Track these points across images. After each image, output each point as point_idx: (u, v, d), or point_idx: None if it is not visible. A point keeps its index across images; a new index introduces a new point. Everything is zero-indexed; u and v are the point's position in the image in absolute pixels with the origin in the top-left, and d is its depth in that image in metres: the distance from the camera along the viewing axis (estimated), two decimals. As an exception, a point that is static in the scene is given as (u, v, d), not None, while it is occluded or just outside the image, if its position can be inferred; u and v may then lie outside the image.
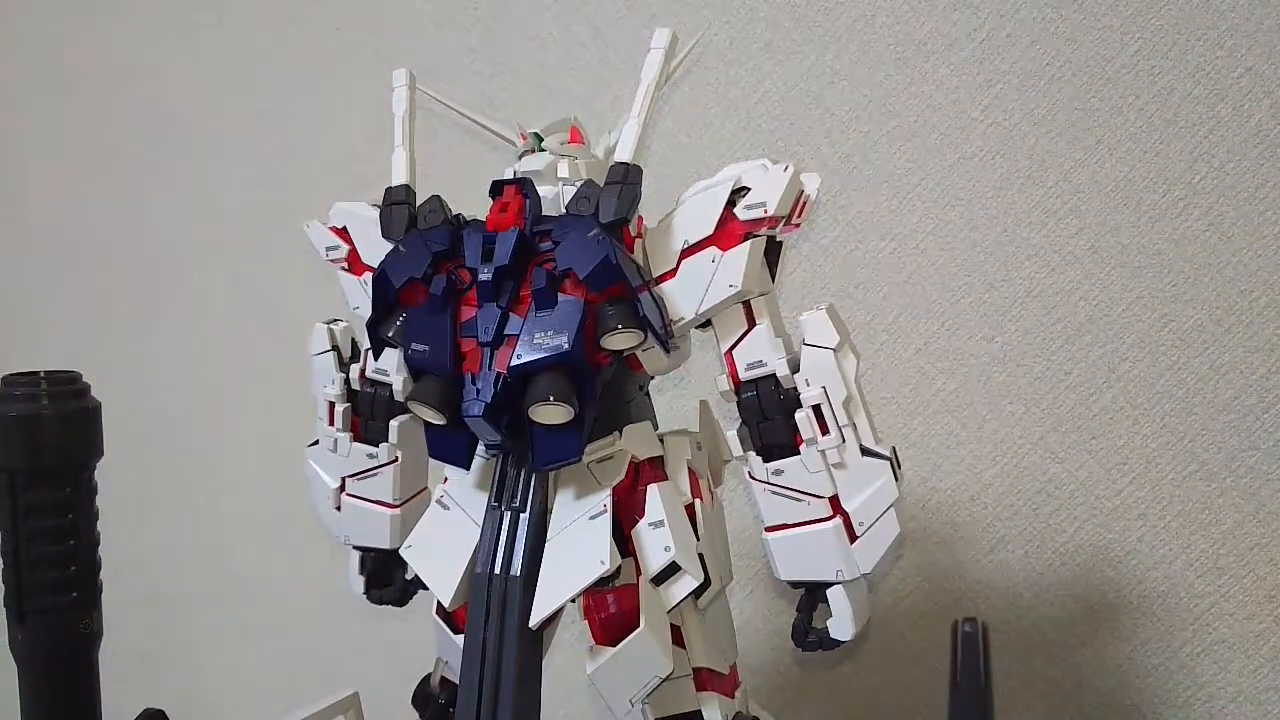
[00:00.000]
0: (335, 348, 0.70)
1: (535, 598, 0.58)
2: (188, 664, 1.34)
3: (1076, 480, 0.95)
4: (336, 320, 0.71)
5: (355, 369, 0.70)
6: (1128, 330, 0.93)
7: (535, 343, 0.56)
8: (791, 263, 0.99)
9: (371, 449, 0.69)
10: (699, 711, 0.62)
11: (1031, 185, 0.95)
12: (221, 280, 1.30)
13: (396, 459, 0.69)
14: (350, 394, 0.70)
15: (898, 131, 0.98)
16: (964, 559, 0.98)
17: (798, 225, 0.61)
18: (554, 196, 0.61)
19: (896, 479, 0.59)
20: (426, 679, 0.70)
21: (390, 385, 0.68)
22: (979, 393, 0.97)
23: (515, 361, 0.56)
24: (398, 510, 0.70)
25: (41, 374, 0.70)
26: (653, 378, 0.65)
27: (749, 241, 0.59)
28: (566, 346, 0.55)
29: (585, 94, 1.06)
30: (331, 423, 0.70)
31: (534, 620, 0.58)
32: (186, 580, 1.34)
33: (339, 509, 0.72)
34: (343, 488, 0.71)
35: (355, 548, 0.72)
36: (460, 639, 0.61)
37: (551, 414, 0.56)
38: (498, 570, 0.59)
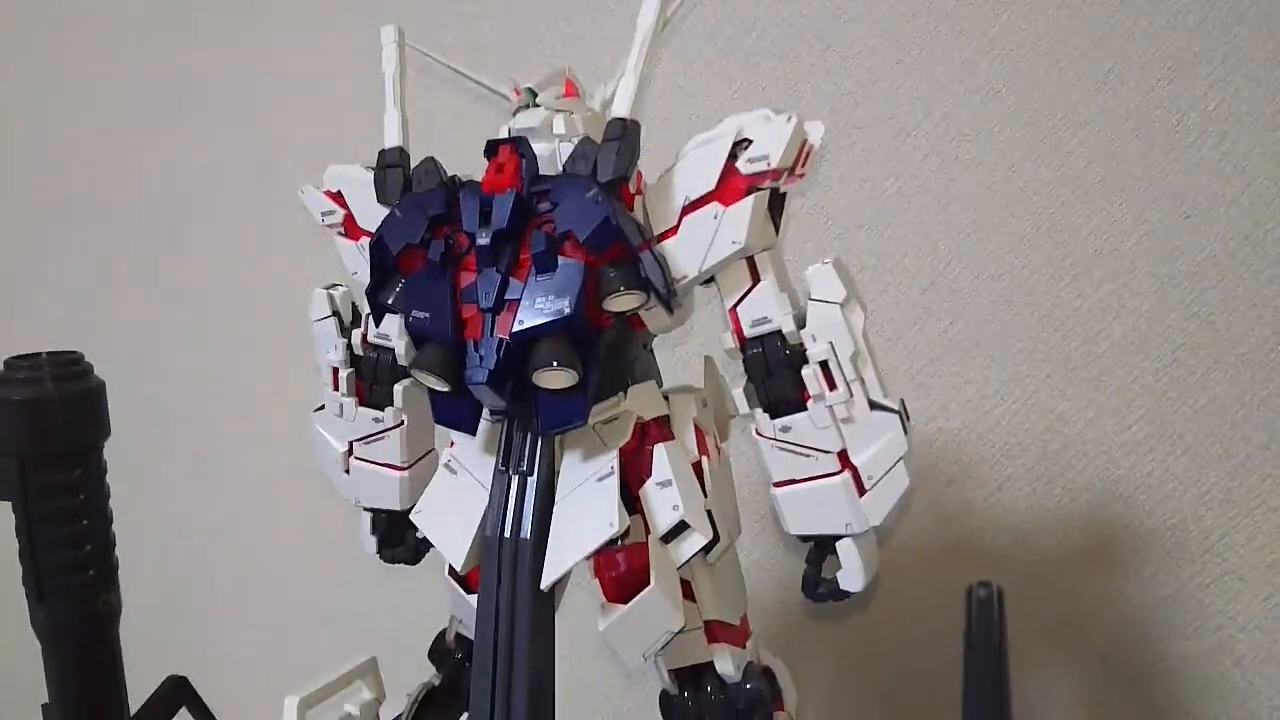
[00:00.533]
0: (336, 313, 0.69)
1: (545, 560, 0.58)
2: (205, 632, 1.35)
3: (1085, 417, 0.94)
4: (336, 285, 0.70)
5: (357, 334, 0.69)
6: (1138, 263, 0.92)
7: (537, 307, 0.55)
8: (793, 203, 0.98)
9: (377, 413, 0.69)
10: (712, 663, 0.63)
11: (1040, 117, 0.93)
12: (222, 243, 1.29)
13: (403, 423, 0.69)
14: (353, 359, 0.69)
15: (902, 65, 0.96)
16: (971, 497, 0.98)
17: (802, 175, 0.59)
18: (550, 154, 0.59)
19: (905, 432, 0.59)
20: (442, 634, 0.71)
21: (393, 350, 0.67)
22: (986, 331, 0.96)
23: (517, 327, 0.55)
24: (406, 472, 0.70)
25: (44, 356, 0.69)
26: (656, 335, 0.64)
27: (752, 196, 0.57)
28: (569, 311, 0.55)
29: (579, 43, 1.04)
30: (336, 388, 0.70)
31: (545, 582, 0.58)
32: (200, 547, 1.36)
33: (348, 472, 0.72)
34: (350, 451, 0.71)
35: (366, 509, 0.73)
36: (473, 599, 0.62)
37: (556, 379, 0.55)
38: (507, 533, 0.59)
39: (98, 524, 0.69)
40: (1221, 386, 0.91)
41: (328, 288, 0.70)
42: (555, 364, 0.55)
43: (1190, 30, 0.88)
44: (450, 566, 0.63)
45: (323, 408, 0.72)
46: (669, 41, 0.62)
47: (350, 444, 0.71)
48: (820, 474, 0.59)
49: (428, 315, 0.57)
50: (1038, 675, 0.98)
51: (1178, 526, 0.93)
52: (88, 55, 1.34)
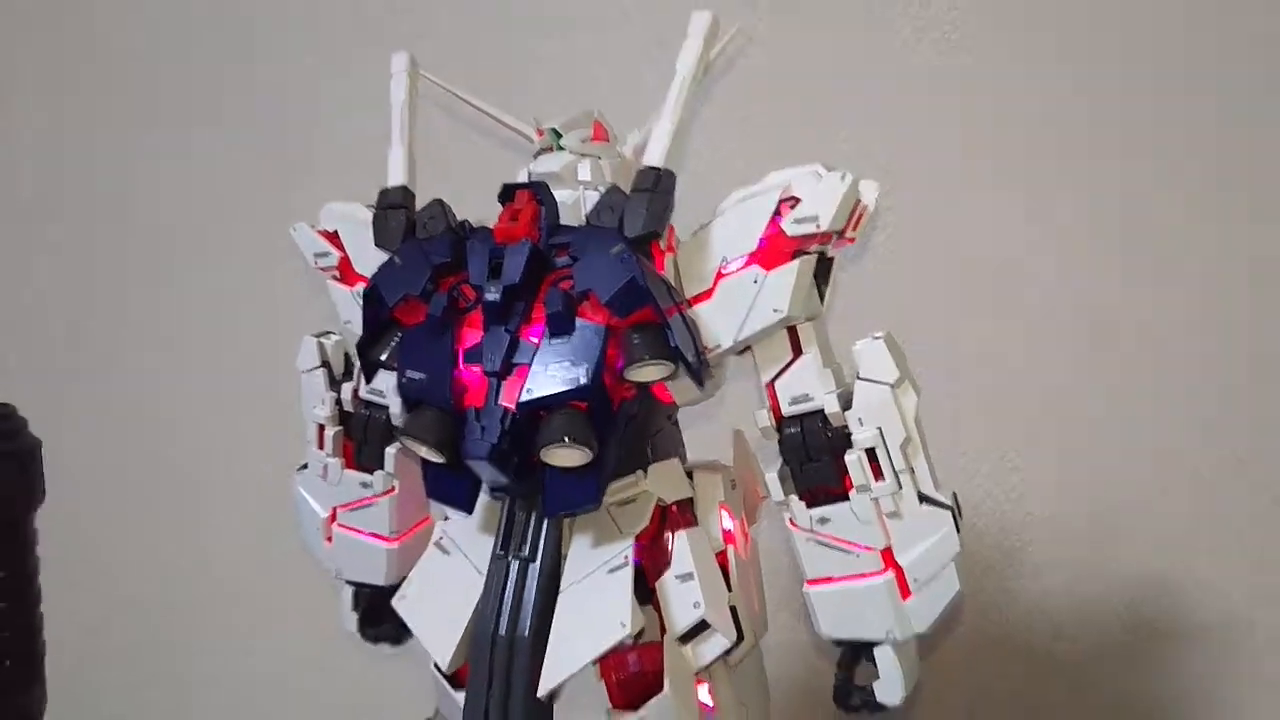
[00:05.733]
0: (326, 363, 0.63)
1: (545, 662, 0.51)
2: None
3: (1138, 506, 0.88)
4: (328, 333, 0.64)
5: (348, 388, 0.62)
6: (1204, 348, 0.86)
7: (549, 374, 0.49)
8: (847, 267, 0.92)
9: (365, 477, 0.62)
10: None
11: (1093, 198, 0.88)
12: (216, 280, 1.22)
13: (393, 489, 0.62)
14: (342, 416, 0.63)
15: (968, 134, 0.90)
16: (1013, 587, 0.92)
17: (852, 240, 0.53)
18: (574, 202, 0.54)
19: (958, 529, 0.53)
20: (429, 724, 0.64)
21: (386, 409, 0.60)
22: (1035, 408, 0.90)
23: (526, 396, 0.49)
24: (394, 544, 0.63)
25: None
26: (681, 407, 0.58)
27: (797, 260, 0.52)
28: (585, 380, 0.48)
29: (613, 85, 0.98)
30: (321, 447, 0.63)
31: (543, 689, 0.51)
32: (182, 604, 1.27)
33: (330, 540, 0.65)
34: (334, 517, 0.64)
35: (348, 582, 0.66)
36: (461, 696, 0.55)
37: (567, 457, 0.49)
38: (503, 630, 0.52)
39: (18, 608, 0.59)
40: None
41: (318, 335, 0.63)
42: (567, 440, 0.48)
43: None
44: (437, 659, 0.56)
45: (306, 467, 0.65)
46: (714, 92, 0.57)
47: (334, 510, 0.64)
48: (860, 573, 0.53)
49: (424, 376, 0.51)
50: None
51: (1228, 625, 0.87)
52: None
